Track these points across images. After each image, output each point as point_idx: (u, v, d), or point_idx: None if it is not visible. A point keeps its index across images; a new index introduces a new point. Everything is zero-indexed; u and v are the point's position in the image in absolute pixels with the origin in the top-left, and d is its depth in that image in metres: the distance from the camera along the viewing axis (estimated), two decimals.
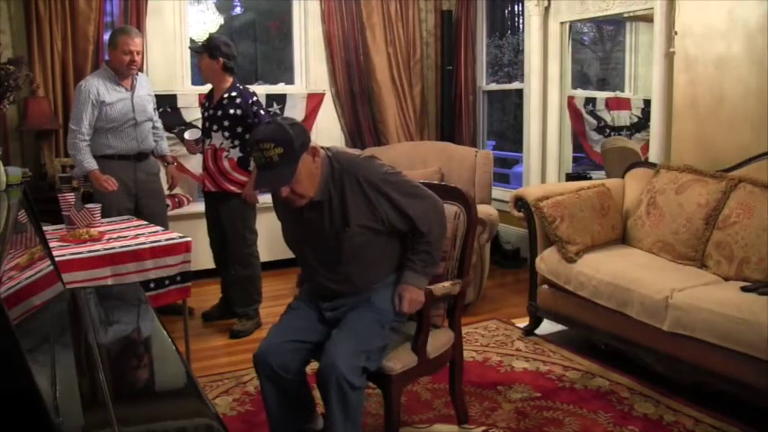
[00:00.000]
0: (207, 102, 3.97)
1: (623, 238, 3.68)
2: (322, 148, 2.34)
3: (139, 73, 4.08)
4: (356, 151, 4.48)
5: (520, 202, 3.77)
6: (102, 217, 3.66)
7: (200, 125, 4.24)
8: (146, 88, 4.10)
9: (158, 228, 3.46)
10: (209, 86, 4.03)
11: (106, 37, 4.57)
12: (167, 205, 4.42)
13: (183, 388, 1.64)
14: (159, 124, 4.26)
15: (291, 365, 2.34)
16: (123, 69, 3.91)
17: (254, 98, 3.83)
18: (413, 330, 2.50)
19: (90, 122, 3.83)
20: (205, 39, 3.93)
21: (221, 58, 3.81)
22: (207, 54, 3.80)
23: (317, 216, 2.33)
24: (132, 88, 3.99)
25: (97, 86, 3.85)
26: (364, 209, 2.30)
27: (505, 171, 7.33)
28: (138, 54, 3.92)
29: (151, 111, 4.11)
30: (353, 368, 2.21)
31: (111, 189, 3.82)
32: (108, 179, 3.83)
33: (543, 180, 5.14)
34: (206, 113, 3.94)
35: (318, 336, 2.41)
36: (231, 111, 3.79)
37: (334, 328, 2.39)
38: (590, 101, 6.21)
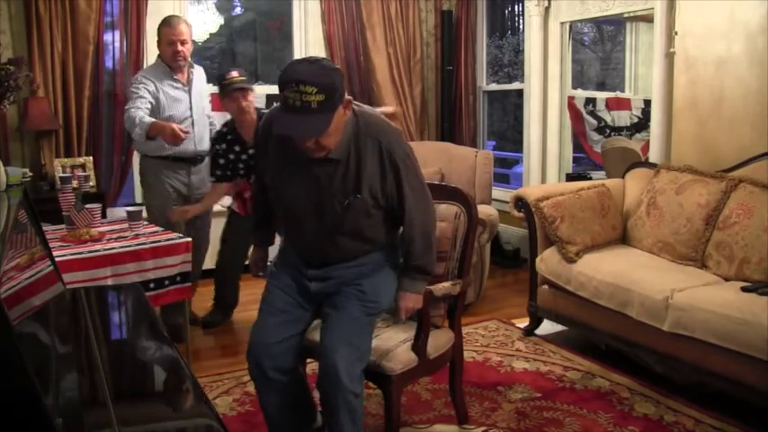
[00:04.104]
0: (237, 146, 3.64)
1: (623, 239, 3.68)
2: None
3: (195, 66, 3.88)
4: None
5: (520, 203, 3.77)
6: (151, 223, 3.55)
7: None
8: (202, 82, 3.92)
9: (158, 228, 3.46)
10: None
11: (106, 37, 4.59)
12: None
13: (183, 388, 1.64)
14: (212, 114, 4.13)
15: (285, 365, 2.29)
16: (171, 61, 3.72)
17: None
18: (413, 330, 2.50)
19: (148, 102, 3.60)
20: (238, 77, 3.54)
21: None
22: (251, 89, 3.56)
23: (327, 175, 2.16)
24: (189, 83, 3.80)
25: (152, 81, 3.68)
26: (377, 178, 2.17)
27: (505, 171, 7.35)
28: (183, 44, 3.70)
29: (208, 106, 3.93)
30: (355, 377, 2.18)
31: (182, 137, 3.44)
32: (173, 127, 3.43)
33: (543, 180, 5.14)
34: (244, 155, 3.64)
35: (303, 322, 2.34)
36: None
37: (319, 302, 2.32)
38: (590, 101, 6.22)
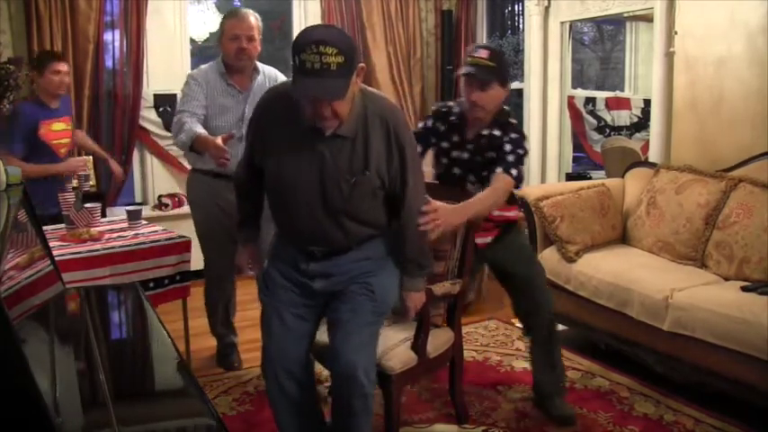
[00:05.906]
0: (456, 135, 2.75)
1: (623, 238, 3.68)
2: None
3: (263, 68, 3.23)
4: None
5: (520, 202, 3.77)
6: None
7: None
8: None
9: (157, 227, 3.46)
10: None
11: (106, 36, 4.59)
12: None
13: (183, 388, 1.64)
14: None
15: (303, 380, 2.27)
16: (234, 60, 3.10)
17: None
18: (413, 330, 2.50)
19: (202, 107, 3.06)
20: (489, 58, 2.60)
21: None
22: (499, 82, 2.63)
23: (332, 152, 2.06)
24: (247, 89, 3.15)
25: (204, 82, 3.12)
26: (383, 158, 2.10)
27: None
28: (249, 41, 3.07)
29: None
30: (372, 380, 2.17)
31: (226, 158, 2.80)
32: (216, 144, 2.79)
33: (543, 180, 5.14)
34: (455, 152, 2.75)
35: (309, 333, 2.29)
36: (489, 155, 2.68)
37: (325, 298, 2.24)
38: (590, 101, 6.23)
